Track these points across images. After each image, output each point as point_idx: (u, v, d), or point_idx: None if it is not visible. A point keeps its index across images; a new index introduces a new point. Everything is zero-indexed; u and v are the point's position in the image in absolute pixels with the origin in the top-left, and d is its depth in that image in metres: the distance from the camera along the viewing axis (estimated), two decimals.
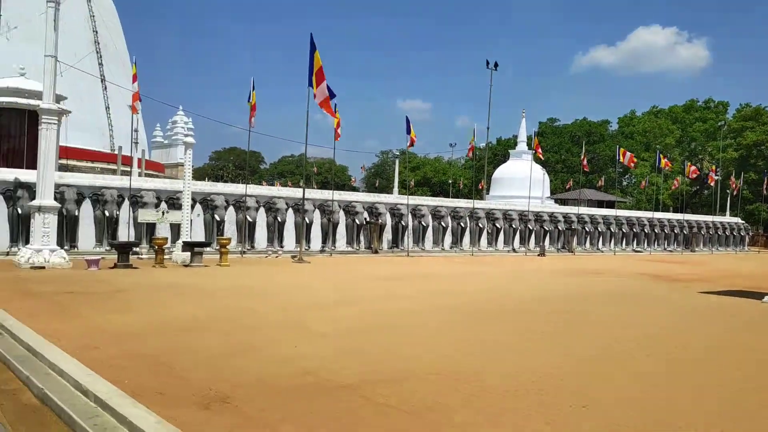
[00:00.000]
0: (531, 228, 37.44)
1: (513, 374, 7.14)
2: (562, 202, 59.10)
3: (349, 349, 8.31)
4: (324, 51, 22.38)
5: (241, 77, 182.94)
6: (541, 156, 43.85)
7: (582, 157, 44.87)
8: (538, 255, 34.31)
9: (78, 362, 6.85)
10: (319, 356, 7.80)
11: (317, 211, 28.15)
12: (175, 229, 22.65)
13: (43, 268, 17.06)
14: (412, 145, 32.16)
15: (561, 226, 39.14)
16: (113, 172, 35.02)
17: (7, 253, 19.97)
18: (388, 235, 30.92)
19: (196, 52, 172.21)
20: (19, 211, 20.67)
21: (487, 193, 54.36)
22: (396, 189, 54.10)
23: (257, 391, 6.23)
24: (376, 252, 29.27)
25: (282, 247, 26.54)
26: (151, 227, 23.08)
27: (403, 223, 31.19)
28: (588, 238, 41.05)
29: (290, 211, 27.12)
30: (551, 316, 11.84)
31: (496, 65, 35.86)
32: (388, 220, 30.81)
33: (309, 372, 6.96)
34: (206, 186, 27.50)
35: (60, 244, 19.24)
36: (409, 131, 30.73)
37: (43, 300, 11.54)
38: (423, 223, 32.09)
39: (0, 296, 11.33)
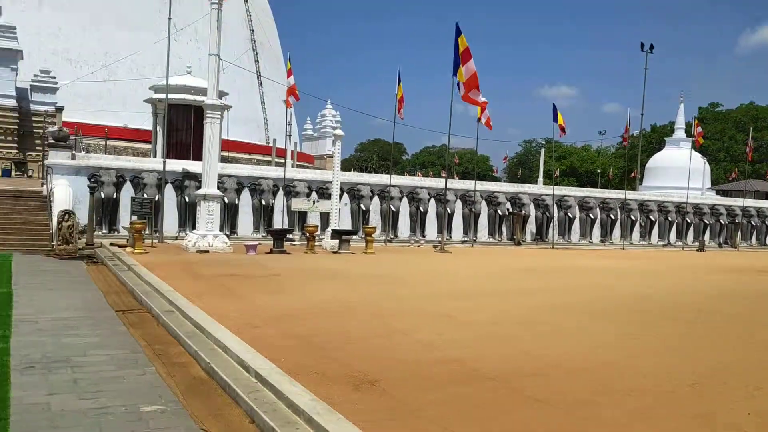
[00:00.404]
0: (689, 221, 35.01)
1: (668, 375, 6.78)
2: (725, 193, 54.74)
3: (492, 340, 8.30)
4: (468, 41, 22.04)
5: (386, 69, 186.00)
6: (700, 143, 40.73)
7: (748, 144, 41.22)
8: (697, 250, 32.04)
9: (240, 340, 7.40)
10: (464, 344, 7.85)
11: (459, 202, 28.12)
12: (325, 217, 23.64)
13: (207, 251, 18.47)
14: (563, 132, 30.80)
15: (723, 220, 36.25)
16: (268, 163, 37.11)
17: (176, 238, 21.79)
18: (531, 226, 30.22)
19: (343, 45, 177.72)
20: (187, 199, 22.49)
21: (641, 184, 51.52)
22: (540, 179, 52.66)
23: (405, 374, 6.39)
24: (518, 244, 28.73)
25: (424, 236, 26.82)
26: (302, 215, 24.25)
27: (548, 215, 30.31)
28: (754, 233, 37.73)
29: (432, 201, 27.32)
30: (712, 318, 11.07)
31: (651, 47, 33.82)
32: (532, 211, 30.09)
33: (455, 359, 7.04)
34: (353, 176, 28.34)
35: (221, 229, 20.72)
36: (556, 119, 29.61)
37: (208, 281, 12.53)
38: (569, 214, 31.01)
39: (171, 277, 12.39)
